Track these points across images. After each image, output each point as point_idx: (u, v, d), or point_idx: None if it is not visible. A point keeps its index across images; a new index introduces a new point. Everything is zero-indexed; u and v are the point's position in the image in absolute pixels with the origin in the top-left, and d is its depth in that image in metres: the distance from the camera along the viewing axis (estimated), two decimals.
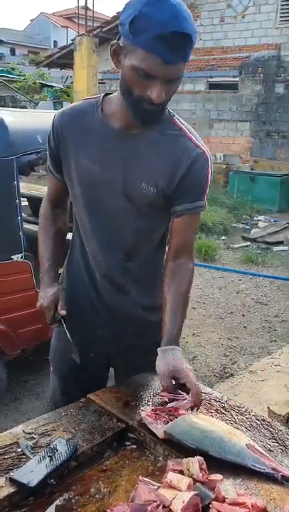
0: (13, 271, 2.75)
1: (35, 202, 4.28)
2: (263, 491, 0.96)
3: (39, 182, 6.90)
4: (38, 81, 16.46)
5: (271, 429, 1.17)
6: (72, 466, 1.03)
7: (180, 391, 1.21)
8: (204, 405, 1.24)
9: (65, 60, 13.65)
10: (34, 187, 4.60)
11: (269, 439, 1.13)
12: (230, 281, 5.37)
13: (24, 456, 1.03)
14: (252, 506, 0.86)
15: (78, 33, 10.24)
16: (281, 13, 10.22)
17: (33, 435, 1.10)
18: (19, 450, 1.05)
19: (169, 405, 1.18)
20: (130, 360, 1.46)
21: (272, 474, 1.00)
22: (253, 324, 4.25)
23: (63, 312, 1.32)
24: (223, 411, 1.23)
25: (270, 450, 1.09)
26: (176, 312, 1.30)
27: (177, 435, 1.06)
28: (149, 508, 0.85)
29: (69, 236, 1.53)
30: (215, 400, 1.28)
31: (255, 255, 6.13)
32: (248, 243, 6.88)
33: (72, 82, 11.71)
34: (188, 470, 0.95)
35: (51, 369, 1.56)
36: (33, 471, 0.96)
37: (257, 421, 1.20)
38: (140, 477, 0.96)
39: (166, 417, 1.14)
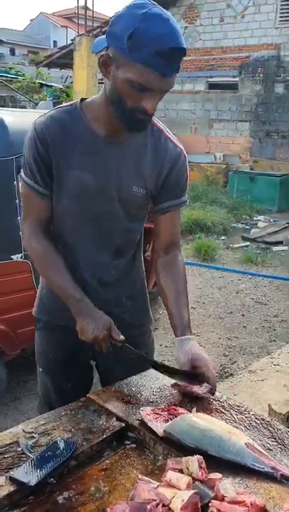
0: (12, 271, 2.75)
1: None
2: (262, 489, 0.97)
3: None
4: (36, 81, 16.44)
5: (270, 428, 1.17)
6: (72, 465, 1.03)
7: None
8: (204, 405, 1.25)
9: (64, 60, 13.65)
10: None
11: (268, 438, 1.13)
12: (230, 281, 5.37)
13: (24, 456, 1.03)
14: (251, 505, 0.87)
15: (78, 33, 10.24)
16: (281, 13, 10.23)
17: (33, 434, 1.10)
18: (19, 449, 1.05)
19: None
20: (115, 354, 1.46)
21: (271, 473, 1.00)
22: (253, 324, 4.25)
23: (122, 338, 1.28)
24: (223, 410, 1.23)
25: (270, 449, 1.09)
26: (180, 303, 1.36)
27: (177, 434, 1.07)
28: (148, 506, 0.86)
29: None
30: (214, 400, 1.28)
31: (254, 255, 6.14)
32: (248, 243, 6.88)
33: (71, 82, 11.71)
34: (187, 469, 0.95)
35: (40, 370, 1.57)
36: (33, 470, 0.97)
37: (256, 420, 1.20)
38: (140, 476, 0.96)
39: (166, 416, 1.15)
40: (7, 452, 1.04)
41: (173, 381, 1.33)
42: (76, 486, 0.98)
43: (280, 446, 1.11)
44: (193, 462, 0.95)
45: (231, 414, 1.22)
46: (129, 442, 1.13)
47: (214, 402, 1.27)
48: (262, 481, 0.99)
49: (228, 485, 0.92)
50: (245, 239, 7.04)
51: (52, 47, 33.42)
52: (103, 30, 11.80)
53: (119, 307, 1.47)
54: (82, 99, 1.35)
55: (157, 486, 0.91)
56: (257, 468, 1.01)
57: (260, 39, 10.57)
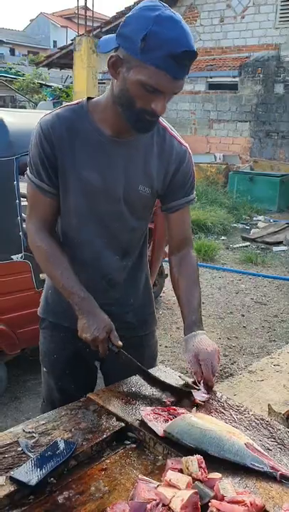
0: (12, 271, 2.75)
1: None
2: (261, 489, 0.97)
3: None
4: (36, 81, 16.45)
5: (270, 428, 1.17)
6: (72, 465, 1.03)
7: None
8: (204, 405, 1.25)
9: (64, 60, 13.66)
10: None
11: (268, 438, 1.13)
12: (230, 281, 5.37)
13: (24, 455, 1.03)
14: (251, 504, 0.87)
15: (78, 33, 10.24)
16: (281, 13, 10.23)
17: (33, 434, 1.10)
18: (19, 449, 1.05)
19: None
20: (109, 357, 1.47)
21: (271, 473, 1.00)
22: (253, 324, 4.26)
23: (120, 343, 1.28)
24: (223, 410, 1.24)
25: (269, 449, 1.09)
26: (191, 301, 1.40)
27: (176, 434, 1.07)
28: (148, 506, 0.86)
29: None
30: (214, 400, 1.29)
31: (254, 255, 6.14)
32: (248, 243, 6.88)
33: (71, 82, 11.71)
34: (187, 469, 0.95)
35: (44, 370, 1.57)
36: (33, 470, 0.97)
37: (256, 420, 1.20)
38: (140, 476, 0.97)
39: (166, 416, 1.15)
40: (7, 452, 1.04)
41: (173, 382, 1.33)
42: (76, 485, 0.98)
43: (279, 446, 1.11)
44: (193, 462, 0.96)
45: (231, 414, 1.22)
46: (129, 442, 1.13)
47: (214, 402, 1.27)
48: (261, 480, 0.99)
49: (227, 485, 0.92)
50: (245, 239, 7.04)
51: (52, 47, 33.44)
52: (103, 30, 11.81)
53: (125, 307, 1.47)
54: (88, 98, 1.34)
55: (157, 486, 0.92)
56: (256, 468, 1.01)
57: (260, 39, 10.58)
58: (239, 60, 10.82)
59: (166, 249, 4.08)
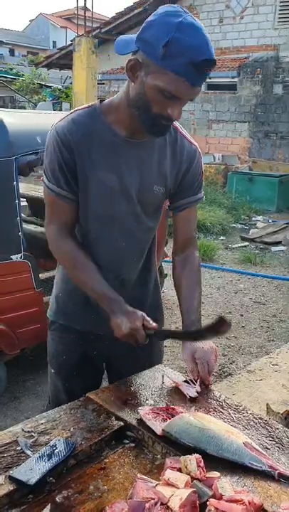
0: (12, 271, 2.76)
1: (34, 202, 4.29)
2: (259, 488, 0.97)
3: (38, 182, 6.90)
4: (36, 81, 16.44)
5: (268, 428, 1.18)
6: (71, 464, 1.04)
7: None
8: (202, 404, 1.25)
9: (64, 60, 13.66)
10: (33, 187, 4.61)
11: (266, 437, 1.14)
12: (229, 281, 5.38)
13: (23, 455, 1.04)
14: (249, 503, 0.87)
15: (77, 33, 10.23)
16: (280, 14, 10.24)
17: (32, 434, 1.11)
18: (18, 448, 1.06)
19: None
20: (127, 353, 1.47)
21: (269, 472, 1.01)
22: (252, 324, 4.26)
23: (155, 325, 1.28)
24: (221, 409, 1.24)
25: (267, 448, 1.10)
26: (192, 301, 1.43)
27: (175, 433, 1.07)
28: (146, 505, 0.86)
29: None
30: (213, 399, 1.29)
31: (253, 255, 6.14)
32: (247, 243, 6.89)
33: (71, 83, 11.72)
34: (186, 468, 0.96)
35: (52, 371, 1.57)
36: (32, 469, 0.97)
37: (254, 419, 1.21)
38: (138, 475, 0.97)
39: (164, 415, 1.15)
40: (6, 451, 1.05)
41: (168, 373, 1.34)
42: (75, 484, 0.98)
43: (277, 445, 1.11)
44: (192, 461, 0.96)
45: (229, 414, 1.22)
46: (128, 441, 1.14)
47: (212, 402, 1.28)
48: (260, 479, 1.00)
49: (226, 483, 0.92)
50: (244, 239, 7.05)
51: (51, 47, 33.43)
52: (102, 31, 11.83)
53: (135, 306, 1.48)
54: (101, 100, 1.35)
55: (156, 485, 0.92)
56: (255, 467, 1.01)
57: (258, 40, 10.59)
58: (238, 60, 10.83)
59: (165, 249, 4.07)
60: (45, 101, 14.80)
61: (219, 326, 1.22)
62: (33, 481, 0.95)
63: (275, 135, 10.49)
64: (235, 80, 10.85)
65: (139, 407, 1.20)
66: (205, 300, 4.74)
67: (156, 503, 0.87)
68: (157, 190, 1.37)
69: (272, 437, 1.14)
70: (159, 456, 1.08)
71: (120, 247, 1.40)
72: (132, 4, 11.69)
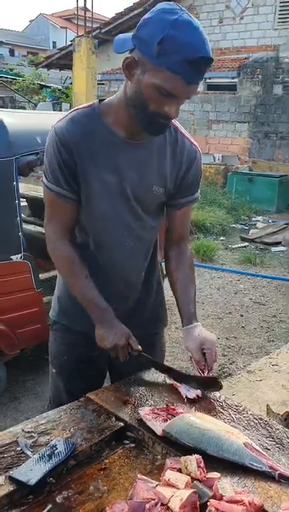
0: (12, 271, 2.76)
1: (34, 202, 4.29)
2: (260, 489, 0.97)
3: (38, 183, 6.90)
4: (36, 82, 16.45)
5: (268, 428, 1.18)
6: (71, 464, 1.04)
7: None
8: (202, 404, 1.25)
9: (64, 60, 13.66)
10: (33, 187, 4.60)
11: (266, 438, 1.14)
12: (229, 282, 5.38)
13: (23, 455, 1.03)
14: (249, 504, 0.87)
15: (77, 34, 10.22)
16: (279, 14, 10.24)
17: (33, 434, 1.11)
18: (18, 449, 1.06)
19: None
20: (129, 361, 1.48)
21: (269, 472, 1.01)
22: (251, 324, 4.26)
23: (140, 348, 1.32)
24: (221, 410, 1.24)
25: (268, 449, 1.10)
26: (188, 293, 1.45)
27: (175, 434, 1.07)
28: (147, 505, 0.86)
29: None
30: (213, 399, 1.29)
31: (253, 256, 6.14)
32: (247, 244, 6.88)
33: (71, 83, 11.72)
34: (186, 468, 0.96)
35: (53, 371, 1.57)
36: (33, 470, 0.97)
37: (254, 420, 1.21)
38: (138, 475, 0.97)
39: (165, 416, 1.15)
40: (6, 452, 1.05)
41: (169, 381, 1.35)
42: (75, 485, 0.98)
43: (278, 445, 1.11)
44: (192, 462, 0.96)
45: (230, 414, 1.22)
46: (128, 442, 1.14)
47: (213, 402, 1.28)
48: (260, 480, 1.00)
49: (226, 484, 0.92)
50: (243, 239, 7.04)
51: (51, 48, 33.43)
52: (102, 31, 11.83)
53: (139, 306, 1.50)
54: (100, 100, 1.34)
55: (156, 486, 0.92)
56: (255, 468, 1.01)
57: (258, 40, 10.58)
58: (238, 61, 10.83)
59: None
60: (45, 101, 14.80)
61: (210, 385, 1.33)
62: (33, 481, 0.95)
63: (275, 135, 10.49)
64: (235, 80, 10.85)
65: (140, 408, 1.20)
66: (205, 300, 4.74)
67: (156, 504, 0.87)
68: (157, 191, 1.37)
69: (273, 438, 1.14)
70: (159, 457, 1.08)
71: (129, 248, 1.40)
72: (131, 5, 11.70)
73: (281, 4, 10.18)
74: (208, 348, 1.34)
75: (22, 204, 2.97)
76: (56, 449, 1.03)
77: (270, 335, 4.07)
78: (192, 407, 1.23)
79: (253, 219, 8.38)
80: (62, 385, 1.54)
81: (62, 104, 13.75)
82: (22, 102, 15.82)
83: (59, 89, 15.76)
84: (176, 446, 1.07)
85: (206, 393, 1.31)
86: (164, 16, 1.09)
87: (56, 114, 3.45)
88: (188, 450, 1.03)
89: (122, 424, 1.16)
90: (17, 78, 16.43)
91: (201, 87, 11.35)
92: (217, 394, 1.32)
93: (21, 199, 2.78)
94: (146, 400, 1.27)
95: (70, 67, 10.96)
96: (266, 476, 1.01)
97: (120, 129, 1.29)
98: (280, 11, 10.23)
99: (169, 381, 1.36)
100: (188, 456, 0.98)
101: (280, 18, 10.26)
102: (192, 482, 0.93)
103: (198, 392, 1.30)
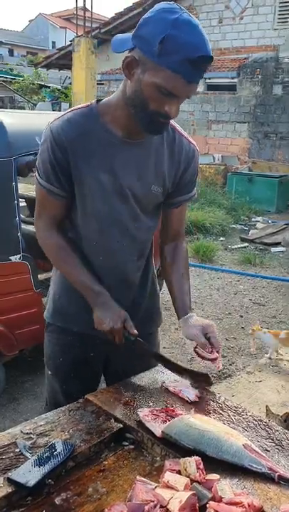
0: (11, 272, 2.75)
1: (33, 203, 4.28)
2: (259, 490, 0.97)
3: None
4: (36, 82, 16.45)
5: (268, 430, 1.17)
6: (69, 466, 1.03)
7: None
8: (202, 406, 1.25)
9: (63, 60, 13.66)
10: (32, 188, 4.60)
11: (266, 439, 1.13)
12: (228, 282, 5.37)
13: (22, 457, 1.03)
14: (248, 506, 0.87)
15: (77, 34, 10.22)
16: (279, 14, 10.24)
17: (31, 435, 1.10)
18: (17, 450, 1.05)
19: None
20: (127, 353, 1.48)
21: (269, 474, 1.00)
22: (251, 325, 4.25)
23: (136, 332, 1.33)
24: (221, 411, 1.24)
25: (267, 450, 1.09)
26: (183, 287, 1.47)
27: (174, 435, 1.07)
28: (146, 507, 0.86)
29: None
30: (212, 401, 1.29)
31: (253, 256, 6.14)
32: (246, 244, 6.88)
33: (70, 83, 11.71)
34: (185, 470, 0.95)
35: (49, 373, 1.56)
36: (31, 471, 0.97)
37: (254, 421, 1.20)
38: (138, 477, 0.96)
39: (164, 417, 1.15)
40: (5, 453, 1.04)
41: (167, 383, 1.34)
42: (74, 487, 0.98)
43: (277, 447, 1.11)
44: (191, 463, 0.96)
45: (229, 415, 1.22)
46: (127, 443, 1.13)
47: (212, 403, 1.27)
48: (259, 482, 0.99)
49: (225, 486, 0.92)
50: (243, 240, 7.04)
51: (51, 48, 33.42)
52: (102, 31, 11.83)
53: (136, 306, 1.49)
54: (98, 100, 1.34)
55: (155, 487, 0.92)
56: (254, 470, 1.01)
57: (258, 40, 10.59)
58: (238, 61, 10.84)
59: None
60: (44, 101, 14.81)
61: (202, 380, 1.36)
62: (31, 483, 0.94)
63: (275, 136, 10.49)
64: (235, 80, 10.85)
65: (139, 409, 1.19)
66: (204, 301, 4.74)
67: (155, 506, 0.87)
68: (155, 190, 1.37)
69: (272, 439, 1.14)
70: (158, 458, 1.08)
71: (121, 247, 1.39)
72: (131, 5, 11.70)
73: (281, 4, 10.19)
74: (212, 331, 1.36)
75: (21, 204, 2.96)
76: (55, 450, 1.03)
77: None
78: (191, 408, 1.23)
79: (253, 219, 8.38)
80: (58, 387, 1.54)
81: (61, 104, 13.75)
82: (21, 102, 15.83)
83: (58, 89, 15.77)
84: (176, 447, 1.06)
85: (204, 394, 1.31)
86: (164, 15, 1.09)
87: (55, 115, 3.45)
88: (188, 451, 1.03)
89: (121, 425, 1.16)
90: (16, 78, 16.43)
91: (200, 87, 11.36)
92: (216, 395, 1.32)
93: (20, 199, 2.77)
94: (146, 401, 1.26)
95: (69, 67, 10.96)
96: (266, 477, 1.00)
97: (118, 128, 1.29)
98: (280, 11, 10.24)
99: (169, 382, 1.36)
100: (187, 458, 0.97)
101: (279, 18, 10.26)
102: (191, 484, 0.92)
103: (197, 392, 1.29)
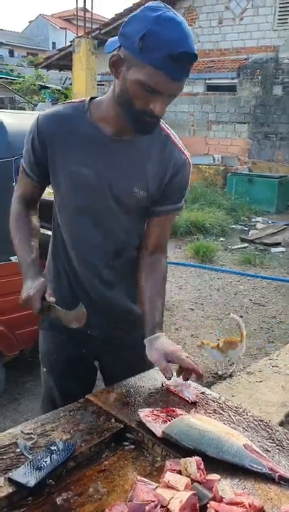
0: (11, 272, 2.75)
1: None
2: (260, 490, 0.97)
3: None
4: (37, 83, 16.46)
5: (268, 430, 1.17)
6: (70, 466, 1.03)
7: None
8: (202, 406, 1.25)
9: (63, 61, 13.68)
10: None
11: (266, 440, 1.13)
12: (228, 283, 5.38)
13: (23, 457, 1.03)
14: (249, 506, 0.87)
15: (77, 34, 10.23)
16: (279, 15, 10.26)
17: (32, 435, 1.10)
18: (18, 450, 1.05)
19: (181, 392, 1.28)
20: (119, 354, 1.49)
21: (269, 474, 1.00)
22: (251, 325, 4.26)
23: (52, 299, 1.25)
24: (221, 411, 1.24)
25: (268, 450, 1.09)
26: (155, 303, 1.38)
27: (175, 435, 1.07)
28: (147, 507, 0.86)
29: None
30: (213, 401, 1.29)
31: (253, 256, 6.14)
32: (246, 244, 6.89)
33: (70, 84, 11.72)
34: (186, 470, 0.95)
35: (44, 370, 1.57)
36: (32, 471, 0.97)
37: (254, 421, 1.20)
38: (138, 477, 0.96)
39: (164, 417, 1.15)
40: (6, 453, 1.04)
41: (167, 383, 1.34)
42: (75, 487, 0.98)
43: (278, 447, 1.11)
44: (192, 463, 0.96)
45: (229, 416, 1.22)
46: (127, 443, 1.13)
47: (212, 404, 1.27)
48: (260, 482, 0.99)
49: (226, 486, 0.92)
50: (243, 240, 7.05)
51: (51, 48, 33.45)
52: (102, 32, 11.83)
53: (124, 308, 1.47)
54: (91, 98, 1.35)
55: (156, 487, 0.92)
56: (255, 470, 1.01)
57: (258, 41, 10.60)
58: (238, 61, 10.85)
59: None
60: (44, 102, 14.80)
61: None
62: (32, 483, 0.94)
63: (275, 136, 10.50)
64: (235, 81, 10.86)
65: (139, 409, 1.19)
66: (204, 301, 4.74)
67: (156, 506, 0.87)
68: (137, 193, 1.33)
69: (273, 439, 1.14)
70: (159, 459, 1.08)
71: (97, 242, 1.38)
72: (131, 5, 11.71)
73: (281, 5, 10.21)
74: (177, 357, 1.27)
75: None
76: (56, 450, 1.03)
77: (269, 336, 4.07)
78: (192, 408, 1.23)
79: (253, 220, 8.38)
80: (54, 383, 1.54)
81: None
82: (22, 103, 15.83)
83: (58, 90, 15.77)
84: (176, 447, 1.06)
85: (205, 394, 1.31)
86: (147, 13, 1.11)
87: None
88: (188, 452, 1.03)
89: (121, 425, 1.16)
90: (17, 79, 16.43)
91: (200, 87, 11.38)
92: (217, 395, 1.32)
93: None
94: (146, 402, 1.26)
95: (69, 67, 10.97)
96: (266, 477, 1.00)
97: (107, 126, 1.29)
98: (280, 11, 10.25)
99: (167, 384, 1.36)
100: (188, 458, 0.97)
101: (279, 19, 10.28)
102: (192, 484, 0.92)
103: (197, 392, 1.29)
